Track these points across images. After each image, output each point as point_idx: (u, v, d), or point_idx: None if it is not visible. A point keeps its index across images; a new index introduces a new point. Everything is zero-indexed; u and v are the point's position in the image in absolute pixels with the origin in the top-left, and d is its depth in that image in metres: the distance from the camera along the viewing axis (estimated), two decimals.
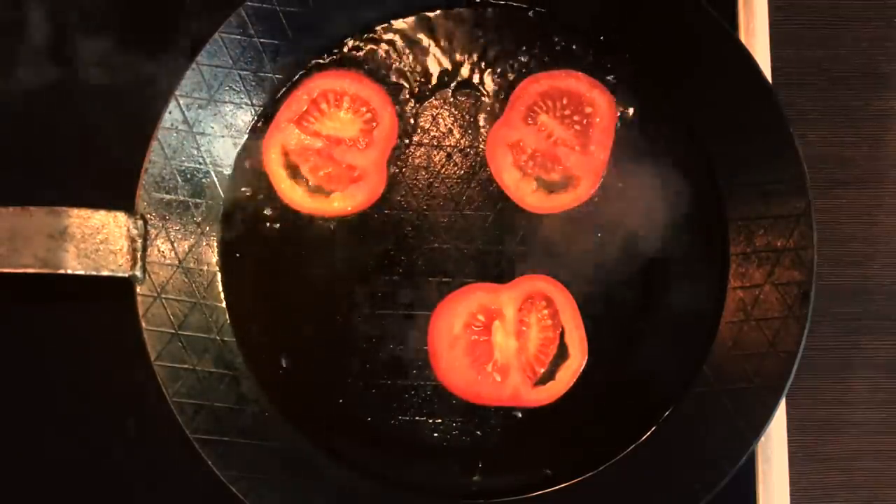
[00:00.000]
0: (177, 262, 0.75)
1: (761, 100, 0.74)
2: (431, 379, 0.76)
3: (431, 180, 0.78)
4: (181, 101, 0.74)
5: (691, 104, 0.77)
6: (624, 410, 0.75)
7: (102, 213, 0.71)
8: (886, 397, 0.81)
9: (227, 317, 0.76)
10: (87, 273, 0.70)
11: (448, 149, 0.79)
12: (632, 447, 0.75)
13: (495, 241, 0.77)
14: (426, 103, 0.79)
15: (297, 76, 0.79)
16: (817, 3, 0.85)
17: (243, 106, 0.78)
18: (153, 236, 0.74)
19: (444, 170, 0.79)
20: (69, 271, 0.70)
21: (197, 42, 0.75)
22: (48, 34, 0.81)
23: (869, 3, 0.85)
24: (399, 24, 0.80)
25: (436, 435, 0.75)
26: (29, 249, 0.69)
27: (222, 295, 0.76)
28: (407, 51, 0.80)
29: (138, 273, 0.72)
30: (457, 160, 0.79)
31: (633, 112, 0.78)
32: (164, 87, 0.75)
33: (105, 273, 0.71)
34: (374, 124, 0.78)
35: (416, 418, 0.75)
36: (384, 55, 0.80)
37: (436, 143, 0.79)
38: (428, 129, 0.79)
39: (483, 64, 0.80)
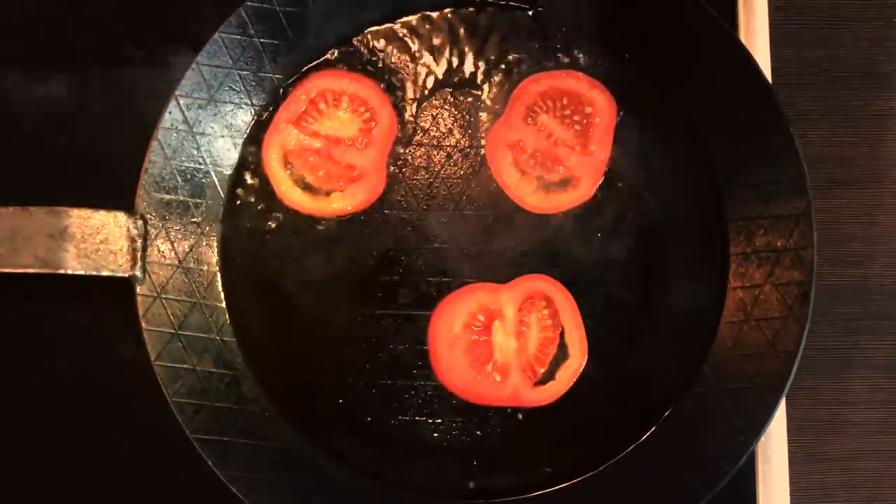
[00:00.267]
0: (177, 262, 0.75)
1: (761, 100, 0.74)
2: (431, 379, 0.76)
3: (431, 180, 0.78)
4: (181, 101, 0.74)
5: (691, 104, 0.77)
6: (624, 410, 0.75)
7: (102, 213, 0.71)
8: (886, 397, 0.81)
9: (227, 317, 0.76)
10: (87, 273, 0.70)
11: (448, 149, 0.79)
12: (632, 447, 0.75)
13: (495, 241, 0.77)
14: (426, 103, 0.79)
15: (297, 76, 0.79)
16: (817, 3, 0.85)
17: (243, 106, 0.78)
18: (153, 236, 0.74)
19: (444, 170, 0.79)
20: (69, 271, 0.70)
21: (197, 42, 0.75)
22: (48, 34, 0.81)
23: (869, 3, 0.85)
24: (399, 24, 0.80)
25: (436, 435, 0.75)
26: (29, 249, 0.69)
27: (222, 295, 0.76)
28: (407, 51, 0.80)
29: (138, 273, 0.72)
30: (457, 160, 0.79)
31: (634, 112, 0.78)
32: (164, 87, 0.75)
33: (105, 273, 0.71)
34: (373, 123, 0.78)
35: (416, 418, 0.75)
36: (384, 55, 0.80)
37: (436, 143, 0.79)
38: (428, 129, 0.79)
39: (483, 64, 0.80)
